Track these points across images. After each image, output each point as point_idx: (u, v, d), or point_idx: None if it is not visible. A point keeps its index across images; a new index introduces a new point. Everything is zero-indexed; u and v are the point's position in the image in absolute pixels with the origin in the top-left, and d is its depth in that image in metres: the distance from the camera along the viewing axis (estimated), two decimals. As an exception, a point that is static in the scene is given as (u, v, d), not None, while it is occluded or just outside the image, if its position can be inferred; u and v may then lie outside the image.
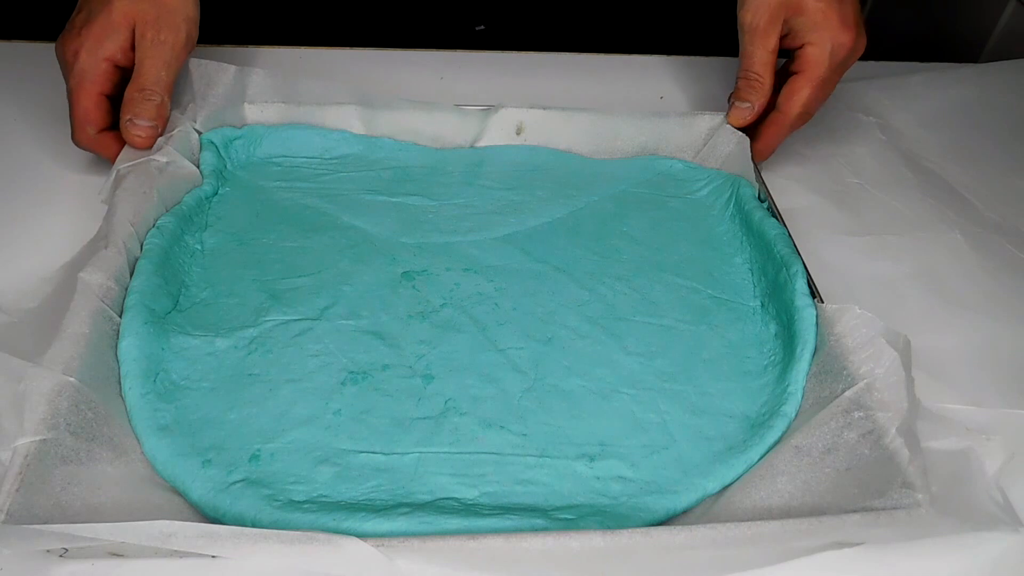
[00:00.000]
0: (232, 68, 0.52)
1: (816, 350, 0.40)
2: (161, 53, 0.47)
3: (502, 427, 0.38)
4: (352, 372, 0.40)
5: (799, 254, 0.44)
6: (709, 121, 0.54)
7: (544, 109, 0.54)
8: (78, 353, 0.35)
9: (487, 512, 0.33)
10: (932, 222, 0.52)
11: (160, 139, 0.48)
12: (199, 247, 0.46)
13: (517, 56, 0.66)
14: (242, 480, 0.34)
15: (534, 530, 0.32)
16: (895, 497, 0.32)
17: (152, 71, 0.47)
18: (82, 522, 0.29)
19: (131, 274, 0.41)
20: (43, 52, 0.48)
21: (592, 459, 0.37)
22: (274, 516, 0.33)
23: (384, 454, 0.36)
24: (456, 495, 0.35)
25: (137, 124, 0.47)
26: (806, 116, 0.53)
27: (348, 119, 0.54)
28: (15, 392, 0.33)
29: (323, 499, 0.34)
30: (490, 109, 0.54)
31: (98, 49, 0.46)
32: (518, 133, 0.55)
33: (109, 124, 0.48)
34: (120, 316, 0.39)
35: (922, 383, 0.36)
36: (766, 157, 0.54)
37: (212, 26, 0.63)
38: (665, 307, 0.45)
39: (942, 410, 0.37)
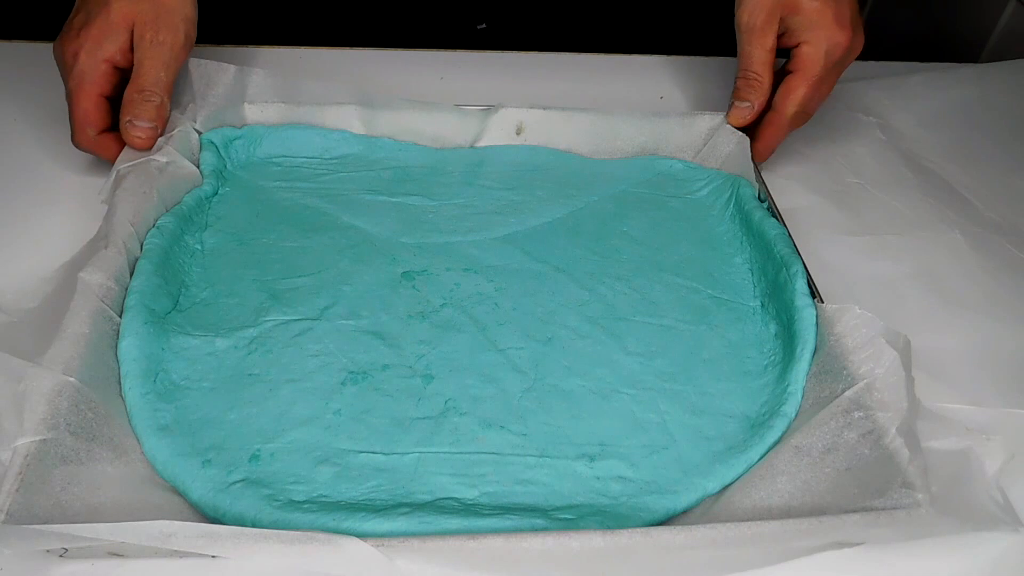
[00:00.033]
0: (232, 68, 0.52)
1: (816, 350, 0.40)
2: (160, 54, 0.47)
3: (502, 427, 0.38)
4: (352, 372, 0.40)
5: (799, 254, 0.44)
6: (709, 121, 0.54)
7: (544, 109, 0.54)
8: (78, 353, 0.35)
9: (487, 512, 0.33)
10: (932, 222, 0.52)
11: (160, 139, 0.48)
12: (199, 247, 0.46)
13: (517, 56, 0.66)
14: (242, 480, 0.34)
15: (534, 530, 0.32)
16: (895, 497, 0.32)
17: (151, 72, 0.47)
18: (82, 522, 0.29)
19: (131, 274, 0.41)
20: (43, 52, 0.48)
21: (592, 459, 0.37)
22: (274, 516, 0.33)
23: (384, 454, 0.36)
24: (456, 495, 0.35)
25: (137, 125, 0.47)
26: (804, 116, 0.53)
27: (348, 119, 0.54)
28: (15, 392, 0.33)
29: (323, 499, 0.34)
30: (490, 109, 0.54)
31: (97, 51, 0.46)
32: (518, 133, 0.55)
33: (109, 125, 0.48)
34: (120, 316, 0.39)
35: (922, 383, 0.36)
36: (766, 158, 0.54)
37: (212, 26, 0.63)
38: (665, 307, 0.45)
39: (942, 410, 0.37)
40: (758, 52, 0.51)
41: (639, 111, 0.55)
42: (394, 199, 0.51)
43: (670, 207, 0.52)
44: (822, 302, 0.41)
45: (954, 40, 0.80)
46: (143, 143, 0.47)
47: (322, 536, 0.29)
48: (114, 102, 0.48)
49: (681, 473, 0.36)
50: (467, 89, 0.61)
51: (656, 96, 0.63)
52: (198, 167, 0.50)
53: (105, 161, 0.48)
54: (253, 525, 0.32)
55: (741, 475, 0.36)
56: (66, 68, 0.47)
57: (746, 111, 0.52)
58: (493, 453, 0.37)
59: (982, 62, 0.74)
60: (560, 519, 0.33)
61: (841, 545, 0.31)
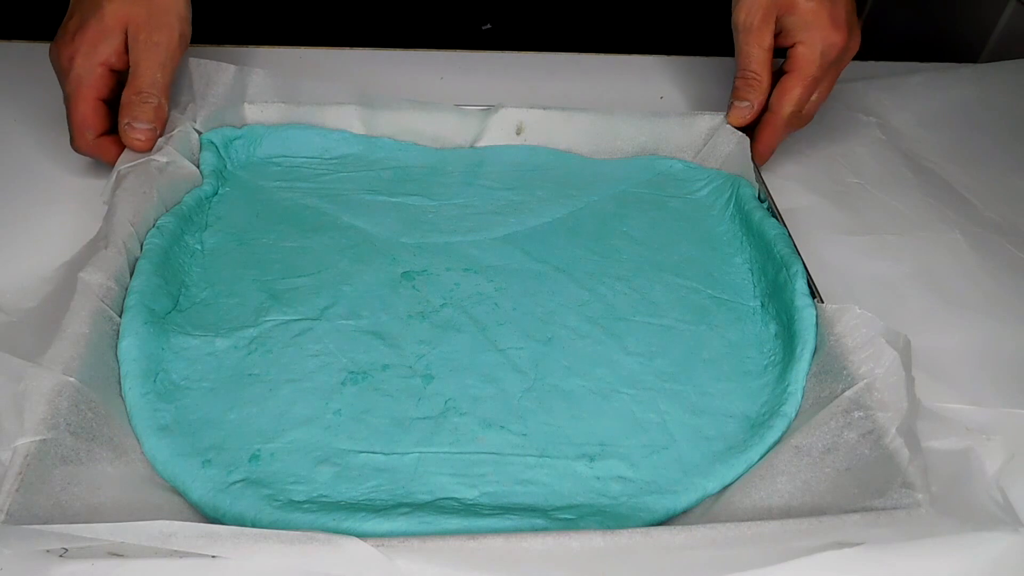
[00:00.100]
0: (232, 68, 0.52)
1: (816, 350, 0.40)
2: (155, 55, 0.47)
3: (502, 427, 0.38)
4: (352, 372, 0.40)
5: (799, 254, 0.44)
6: (709, 121, 0.55)
7: (544, 109, 0.54)
8: (78, 353, 0.35)
9: (487, 512, 0.33)
10: (932, 222, 0.52)
11: (160, 139, 0.48)
12: (199, 247, 0.46)
13: (517, 56, 0.66)
14: (242, 480, 0.34)
15: (534, 530, 0.32)
16: (895, 497, 0.32)
17: (147, 73, 0.47)
18: (82, 522, 0.29)
19: (131, 274, 0.41)
20: (43, 52, 0.48)
21: (592, 459, 0.37)
22: (274, 516, 0.33)
23: (384, 454, 0.36)
24: (456, 495, 0.35)
25: (135, 127, 0.47)
26: (805, 117, 0.53)
27: (348, 119, 0.54)
28: (15, 392, 0.33)
29: (323, 499, 0.34)
30: (490, 109, 0.54)
31: (93, 54, 0.46)
32: (518, 133, 0.55)
33: (108, 128, 0.48)
34: (120, 316, 0.39)
35: (922, 383, 0.36)
36: (765, 159, 0.54)
37: (212, 26, 0.63)
38: (665, 307, 0.45)
39: (942, 410, 0.37)
40: (756, 51, 0.51)
41: (639, 111, 0.55)
42: (394, 199, 0.51)
43: (670, 207, 0.52)
44: (822, 302, 0.41)
45: (954, 40, 0.80)
46: (142, 145, 0.47)
47: (322, 536, 0.29)
48: (112, 104, 0.48)
49: (681, 473, 0.36)
50: (467, 89, 0.61)
51: (656, 96, 0.63)
52: (198, 167, 0.50)
53: (104, 163, 0.48)
54: (253, 525, 0.32)
55: (741, 475, 0.36)
56: (63, 72, 0.47)
57: (746, 110, 0.52)
58: (493, 453, 0.37)
59: (982, 62, 0.74)
60: (560, 519, 0.33)
61: (841, 545, 0.31)
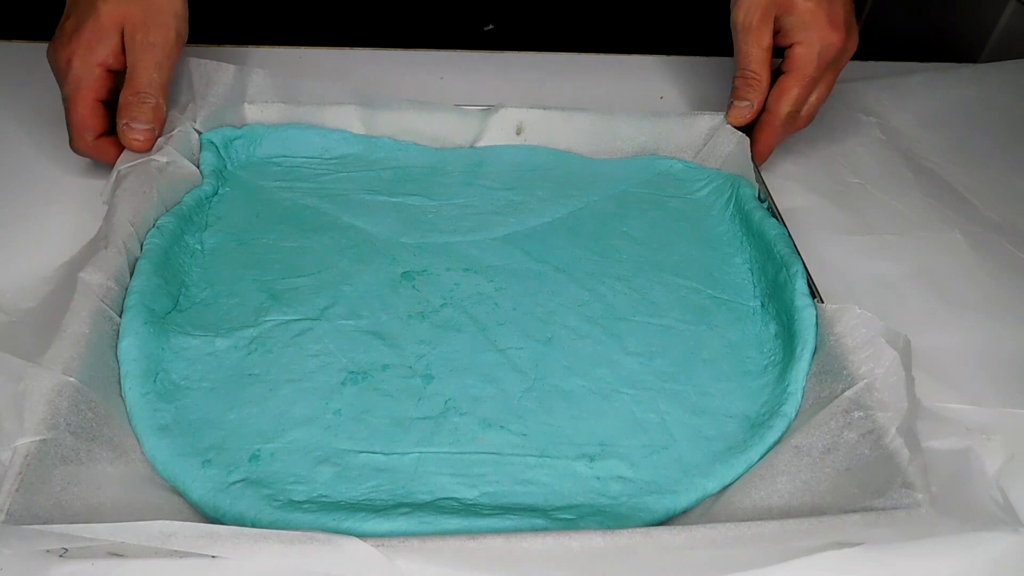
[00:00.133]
0: (232, 68, 0.52)
1: (816, 350, 0.40)
2: (152, 55, 0.47)
3: (502, 427, 0.38)
4: (352, 372, 0.40)
5: (799, 254, 0.44)
6: (709, 121, 0.54)
7: (544, 109, 0.54)
8: (78, 353, 0.35)
9: (487, 512, 0.33)
10: (932, 222, 0.52)
11: (160, 139, 0.48)
12: (199, 247, 0.46)
13: (517, 56, 0.66)
14: (242, 480, 0.34)
15: (534, 530, 0.32)
16: (895, 497, 0.32)
17: (145, 74, 0.47)
18: (82, 522, 0.29)
19: (131, 274, 0.41)
20: (43, 52, 0.48)
21: (592, 459, 0.37)
22: (274, 516, 0.33)
23: (384, 454, 0.36)
24: (456, 495, 0.35)
25: (134, 128, 0.47)
26: (806, 118, 0.53)
27: (348, 119, 0.54)
28: (15, 392, 0.33)
29: (323, 499, 0.34)
30: (490, 109, 0.54)
31: (90, 55, 0.46)
32: (518, 133, 0.55)
33: (107, 129, 0.48)
34: (120, 316, 0.39)
35: (922, 383, 0.36)
36: (764, 159, 0.54)
37: (212, 26, 0.63)
38: (665, 307, 0.45)
39: (942, 410, 0.37)
40: (755, 51, 0.52)
41: (639, 111, 0.55)
42: (394, 199, 0.51)
43: (670, 207, 0.52)
44: (822, 302, 0.41)
45: (954, 40, 0.80)
46: (141, 145, 0.47)
47: (322, 536, 0.29)
48: (111, 105, 0.48)
49: (681, 473, 0.36)
50: (467, 89, 0.61)
51: (656, 96, 0.63)
52: (198, 167, 0.50)
53: (104, 164, 0.48)
54: (253, 525, 0.32)
55: (741, 475, 0.36)
56: (61, 74, 0.47)
57: (746, 110, 0.52)
58: (493, 453, 0.37)
59: (982, 62, 0.74)
60: (560, 519, 0.33)
61: (841, 545, 0.31)
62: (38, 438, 0.32)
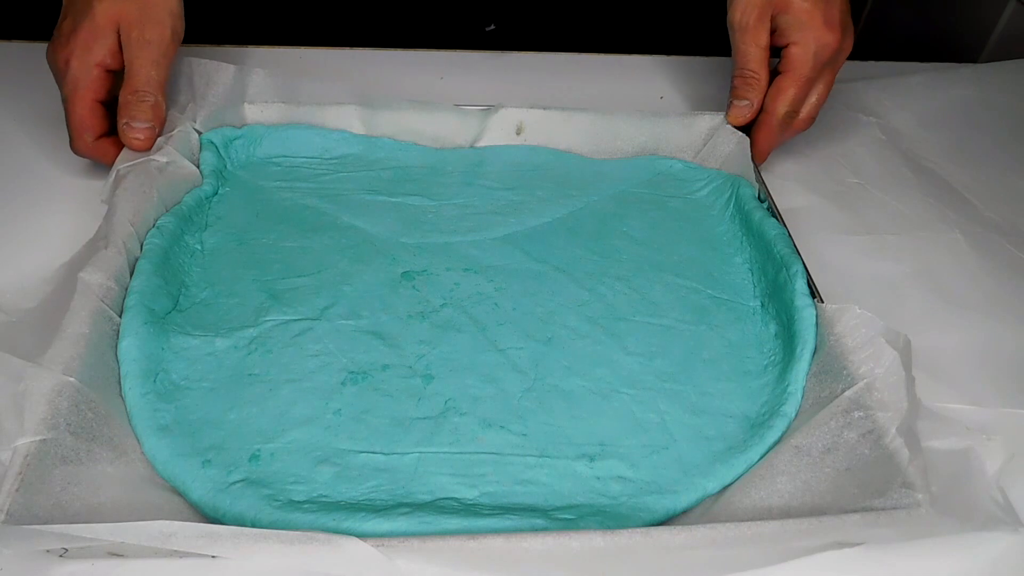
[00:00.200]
0: (232, 68, 0.52)
1: (816, 350, 0.40)
2: (149, 52, 0.47)
3: (502, 427, 0.38)
4: (352, 372, 0.40)
5: (799, 254, 0.44)
6: (709, 121, 0.55)
7: (544, 109, 0.54)
8: (78, 353, 0.35)
9: (487, 512, 0.33)
10: (932, 222, 0.52)
11: (160, 139, 0.48)
12: (199, 247, 0.46)
13: (517, 56, 0.66)
14: (242, 480, 0.34)
15: (534, 530, 0.32)
16: (895, 497, 0.32)
17: (143, 72, 0.47)
18: (82, 522, 0.29)
19: (131, 274, 0.41)
20: (43, 52, 0.48)
21: (592, 459, 0.37)
22: (274, 516, 0.32)
23: (384, 454, 0.36)
24: (456, 495, 0.35)
25: (134, 127, 0.47)
26: (807, 119, 0.53)
27: (348, 119, 0.54)
28: (15, 392, 0.33)
29: (323, 499, 0.34)
30: (490, 109, 0.54)
31: (87, 56, 0.46)
32: (518, 133, 0.55)
33: (107, 130, 0.48)
34: (120, 316, 0.39)
35: (922, 383, 0.36)
36: (764, 159, 0.54)
37: (212, 26, 0.63)
38: (665, 307, 0.45)
39: (942, 410, 0.37)
40: (753, 50, 0.52)
41: (639, 111, 0.55)
42: (394, 199, 0.51)
43: (670, 207, 0.52)
44: (822, 302, 0.41)
45: (954, 40, 0.80)
46: (142, 144, 0.47)
47: (322, 536, 0.29)
48: (110, 106, 0.48)
49: (681, 473, 0.36)
50: (467, 89, 0.61)
51: (656, 96, 0.63)
52: (198, 167, 0.50)
53: (104, 165, 0.48)
54: (253, 525, 0.32)
55: (741, 475, 0.36)
56: (59, 75, 0.47)
57: (745, 109, 0.52)
58: (493, 453, 0.36)
59: (982, 62, 0.74)
60: (560, 519, 0.33)
61: (841, 545, 0.31)
62: (38, 438, 0.32)
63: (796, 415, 0.38)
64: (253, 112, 0.53)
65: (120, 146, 0.47)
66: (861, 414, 0.35)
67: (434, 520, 0.33)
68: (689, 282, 0.46)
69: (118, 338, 0.38)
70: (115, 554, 0.30)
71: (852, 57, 0.53)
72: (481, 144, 0.55)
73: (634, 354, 0.42)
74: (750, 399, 0.40)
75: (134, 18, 0.47)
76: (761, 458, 0.36)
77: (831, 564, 0.31)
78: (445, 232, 0.49)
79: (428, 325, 0.42)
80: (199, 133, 0.51)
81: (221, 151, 0.51)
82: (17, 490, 0.30)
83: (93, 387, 0.35)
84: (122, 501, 0.32)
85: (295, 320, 0.42)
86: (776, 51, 0.52)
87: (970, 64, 0.70)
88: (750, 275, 0.47)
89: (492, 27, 0.73)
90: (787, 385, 0.39)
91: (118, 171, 0.46)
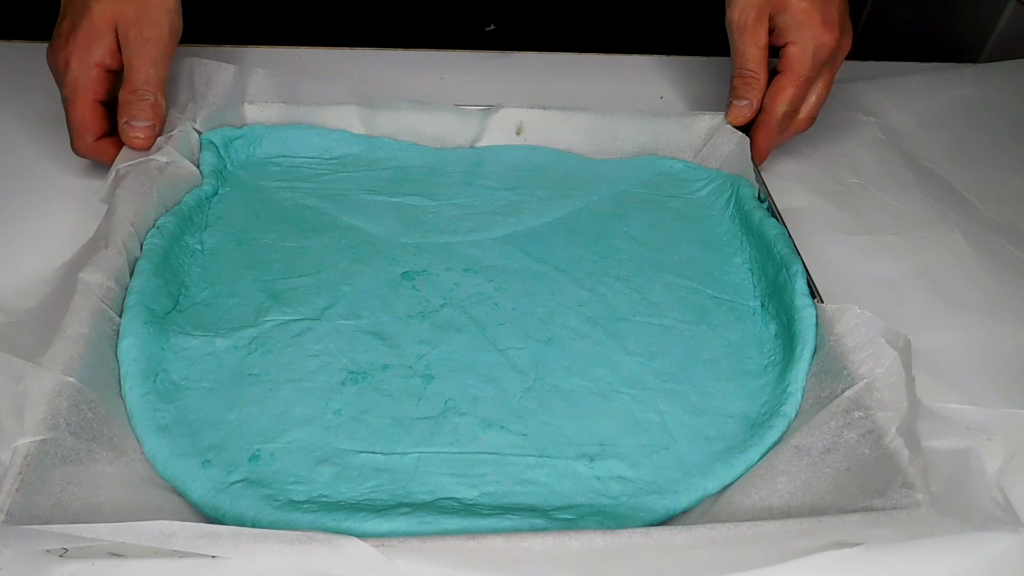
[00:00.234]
0: (232, 68, 0.52)
1: (816, 350, 0.40)
2: (147, 51, 0.47)
3: (502, 427, 0.38)
4: (352, 372, 0.40)
5: (799, 254, 0.44)
6: (709, 121, 0.55)
7: (544, 109, 0.54)
8: (78, 353, 0.35)
9: (487, 512, 0.33)
10: (932, 222, 0.52)
11: (160, 139, 0.48)
12: (199, 247, 0.46)
13: (517, 56, 0.66)
14: (242, 480, 0.34)
15: (534, 530, 0.32)
16: (895, 497, 0.32)
17: (142, 71, 0.47)
18: (82, 522, 0.29)
19: (131, 274, 0.41)
20: (43, 52, 0.48)
21: (592, 459, 0.37)
22: (274, 516, 0.32)
23: (384, 454, 0.36)
24: (456, 495, 0.35)
25: (134, 126, 0.47)
26: (807, 119, 0.53)
27: (348, 119, 0.54)
28: (15, 392, 0.33)
29: (323, 499, 0.34)
30: (490, 109, 0.54)
31: (86, 56, 0.46)
32: (518, 133, 0.55)
33: (107, 130, 0.48)
34: (120, 316, 0.39)
35: (922, 383, 0.36)
36: (763, 159, 0.54)
37: (212, 26, 0.63)
38: (665, 307, 0.45)
39: (942, 410, 0.37)
40: (752, 50, 0.52)
41: (639, 111, 0.55)
42: (394, 199, 0.51)
43: (670, 207, 0.52)
44: (822, 302, 0.41)
45: (954, 40, 0.80)
46: (142, 143, 0.47)
47: (322, 536, 0.29)
48: (110, 106, 0.48)
49: (681, 473, 0.36)
50: (467, 89, 0.61)
51: (656, 96, 0.63)
52: (198, 167, 0.50)
53: (105, 165, 0.48)
54: (253, 525, 0.32)
55: (741, 475, 0.36)
56: (59, 76, 0.47)
57: (745, 108, 0.53)
58: (493, 453, 0.36)
59: (982, 62, 0.74)
60: (560, 519, 0.33)
61: (841, 545, 0.31)
62: (38, 438, 0.32)
63: (796, 415, 0.38)
64: (253, 112, 0.53)
65: (121, 146, 0.47)
66: (861, 414, 0.35)
67: (434, 520, 0.33)
68: (689, 282, 0.46)
69: (118, 338, 0.38)
70: (115, 554, 0.30)
71: (852, 57, 0.53)
72: (481, 144, 0.55)
73: (634, 354, 0.42)
74: (750, 399, 0.40)
75: (132, 17, 0.47)
76: (761, 458, 0.36)
77: (831, 564, 0.31)
78: (445, 232, 0.49)
79: (428, 325, 0.42)
80: (199, 133, 0.51)
81: (221, 151, 0.51)
82: (17, 490, 0.30)
83: (93, 387, 0.35)
84: (122, 501, 0.32)
85: (295, 320, 0.42)
86: (775, 51, 0.52)
87: (970, 64, 0.70)
88: (750, 275, 0.47)
89: (492, 27, 0.73)
90: (787, 385, 0.39)
91: (118, 170, 0.46)
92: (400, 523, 0.32)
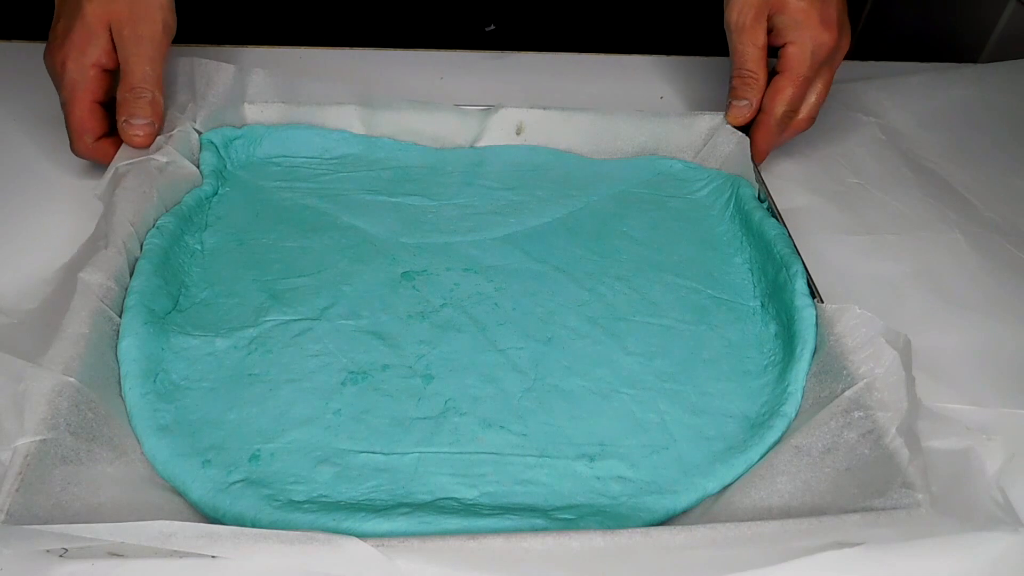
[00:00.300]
0: (232, 68, 0.52)
1: (816, 350, 0.40)
2: (142, 49, 0.47)
3: (502, 427, 0.38)
4: (352, 372, 0.40)
5: (799, 254, 0.44)
6: (709, 121, 0.55)
7: (544, 109, 0.54)
8: (78, 353, 0.35)
9: (487, 512, 0.33)
10: (932, 222, 0.52)
11: (160, 138, 0.48)
12: (199, 247, 0.46)
13: (517, 56, 0.66)
14: (242, 480, 0.34)
15: (534, 530, 0.32)
16: (895, 497, 0.32)
17: (138, 69, 0.47)
18: (82, 522, 0.29)
19: (131, 274, 0.41)
20: (42, 52, 0.48)
21: (592, 459, 0.37)
22: (274, 516, 0.32)
23: (384, 454, 0.36)
24: (456, 495, 0.35)
25: (133, 124, 0.47)
26: (807, 119, 0.53)
27: (348, 119, 0.54)
28: (15, 392, 0.33)
29: (323, 499, 0.34)
30: (490, 109, 0.54)
31: (82, 57, 0.46)
32: (518, 133, 0.55)
33: (106, 131, 0.48)
34: (120, 316, 0.39)
35: (922, 383, 0.36)
36: (763, 159, 0.54)
37: (212, 26, 0.63)
38: (665, 307, 0.45)
39: (942, 410, 0.36)
40: (750, 50, 0.52)
41: (639, 111, 0.55)
42: (394, 199, 0.51)
43: (670, 207, 0.52)
44: (822, 302, 0.41)
45: (954, 40, 0.80)
46: (142, 140, 0.47)
47: (322, 536, 0.29)
48: (108, 106, 0.48)
49: (681, 473, 0.36)
50: (467, 89, 0.61)
51: (656, 96, 0.63)
52: (198, 167, 0.50)
53: (105, 166, 0.48)
54: (253, 525, 0.32)
55: (741, 475, 0.36)
56: (57, 77, 0.47)
57: (745, 109, 0.53)
58: (493, 453, 0.36)
59: (982, 62, 0.74)
60: (560, 519, 0.33)
61: (841, 545, 0.31)
62: (38, 438, 0.32)
63: (796, 415, 0.38)
64: (253, 112, 0.53)
65: (120, 146, 0.47)
66: (861, 414, 0.35)
67: (434, 520, 0.33)
68: (689, 282, 0.46)
69: (118, 338, 0.38)
70: (115, 554, 0.30)
71: (852, 57, 0.53)
72: (481, 144, 0.55)
73: (634, 354, 0.42)
74: (750, 399, 0.40)
75: (124, 16, 0.47)
76: (761, 458, 0.36)
77: (831, 564, 0.31)
78: (445, 232, 0.49)
79: (428, 325, 0.42)
80: (199, 133, 0.51)
81: (221, 151, 0.51)
82: (17, 490, 0.30)
83: (93, 387, 0.35)
84: (122, 501, 0.32)
85: (295, 320, 0.42)
86: (773, 51, 0.52)
87: (970, 64, 0.70)
88: (750, 275, 0.47)
89: (492, 27, 0.73)
90: (787, 385, 0.39)
91: (116, 169, 0.46)
92: (400, 523, 0.32)
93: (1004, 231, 0.52)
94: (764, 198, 0.50)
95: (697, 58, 0.68)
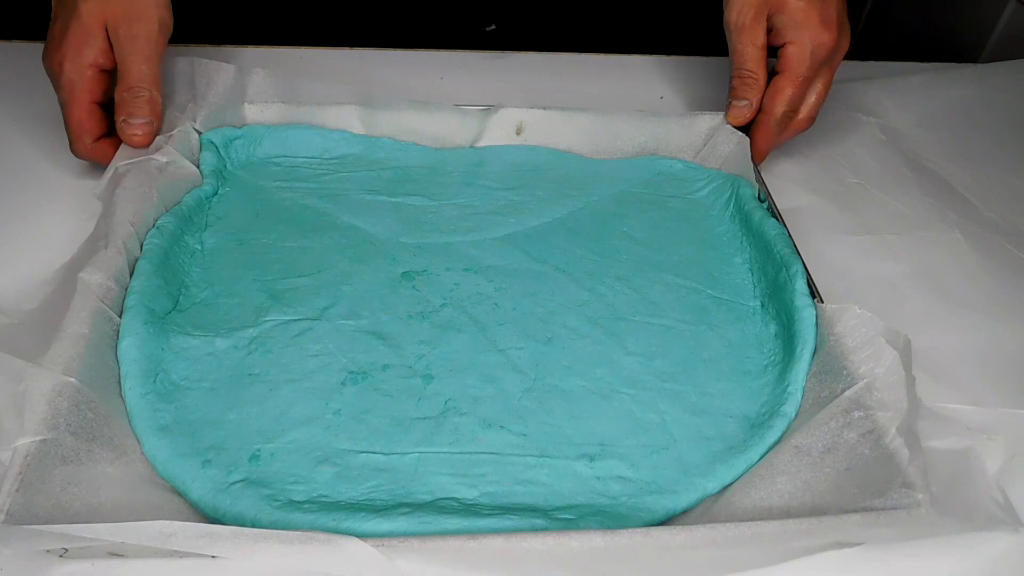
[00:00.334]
0: (232, 68, 0.53)
1: (816, 350, 0.40)
2: (139, 48, 0.47)
3: (502, 427, 0.38)
4: (352, 372, 0.40)
5: (799, 254, 0.44)
6: (709, 121, 0.55)
7: (544, 109, 0.54)
8: (78, 353, 0.35)
9: (487, 512, 0.33)
10: (932, 222, 0.52)
11: (160, 138, 0.48)
12: (199, 247, 0.46)
13: (517, 56, 0.66)
14: (242, 480, 0.34)
15: (534, 530, 0.32)
16: (895, 497, 0.32)
17: (135, 68, 0.47)
18: (82, 522, 0.29)
19: (131, 274, 0.41)
20: (41, 52, 0.48)
21: (592, 459, 0.37)
22: (274, 516, 0.32)
23: (384, 454, 0.36)
24: (456, 495, 0.35)
25: (132, 123, 0.47)
26: (807, 119, 0.53)
27: (348, 119, 0.54)
28: (15, 392, 0.33)
29: (323, 499, 0.34)
30: (490, 109, 0.54)
31: (79, 58, 0.46)
32: (518, 133, 0.55)
33: (105, 131, 0.48)
34: (120, 316, 0.39)
35: (922, 383, 0.36)
36: (762, 159, 0.54)
37: (212, 26, 0.63)
38: (665, 307, 0.45)
39: (942, 410, 0.36)
40: (750, 50, 0.52)
41: (639, 111, 0.55)
42: (394, 199, 0.51)
43: (670, 207, 0.52)
44: (822, 302, 0.41)
45: (954, 40, 0.80)
46: (141, 140, 0.47)
47: (322, 536, 0.29)
48: (107, 107, 0.48)
49: (681, 473, 0.36)
50: (467, 89, 0.61)
51: (656, 96, 0.63)
52: (198, 167, 0.50)
53: (104, 167, 0.48)
54: (253, 525, 0.32)
55: (741, 475, 0.36)
56: (55, 78, 0.47)
57: (745, 109, 0.53)
58: (493, 453, 0.36)
59: (982, 62, 0.74)
60: (560, 519, 0.33)
61: (841, 545, 0.31)
62: (38, 438, 0.32)
63: (796, 415, 0.38)
64: (253, 112, 0.53)
65: (119, 147, 0.47)
66: (861, 414, 0.35)
67: (434, 520, 0.33)
68: (689, 282, 0.46)
69: (118, 338, 0.38)
70: (115, 554, 0.30)
71: (852, 57, 0.53)
72: (481, 144, 0.55)
73: (634, 354, 0.42)
74: (750, 399, 0.40)
75: (120, 15, 0.46)
76: (761, 458, 0.36)
77: (831, 564, 0.31)
78: (445, 232, 0.49)
79: (428, 325, 0.42)
80: (199, 133, 0.51)
81: (221, 151, 0.51)
82: (17, 490, 0.30)
83: (93, 387, 0.35)
84: (122, 501, 0.32)
85: (295, 320, 0.42)
86: (773, 51, 0.52)
87: (970, 64, 0.70)
88: (750, 275, 0.47)
89: (492, 27, 0.73)
90: (787, 385, 0.39)
91: (116, 169, 0.46)
92: (400, 523, 0.32)
93: (1004, 231, 0.52)
94: (764, 198, 0.50)
95: (697, 58, 0.68)
